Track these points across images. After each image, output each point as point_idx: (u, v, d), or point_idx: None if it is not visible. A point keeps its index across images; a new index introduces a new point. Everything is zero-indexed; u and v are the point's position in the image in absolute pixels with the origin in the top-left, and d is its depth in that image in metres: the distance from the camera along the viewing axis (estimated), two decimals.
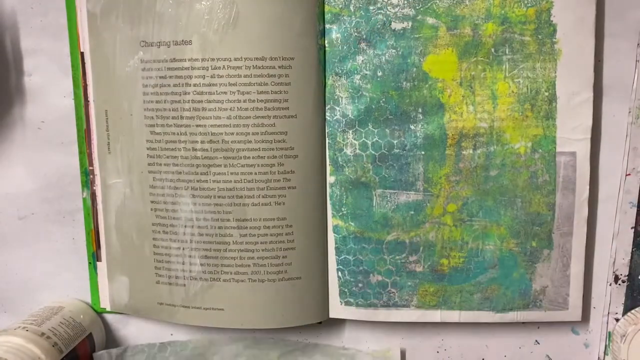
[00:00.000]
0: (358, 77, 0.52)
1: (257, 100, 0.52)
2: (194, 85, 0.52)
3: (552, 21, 0.50)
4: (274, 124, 0.52)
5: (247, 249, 0.54)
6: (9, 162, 0.58)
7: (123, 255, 0.57)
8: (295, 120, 0.52)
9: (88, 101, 0.55)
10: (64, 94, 0.56)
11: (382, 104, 0.52)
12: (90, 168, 0.56)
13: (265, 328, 0.56)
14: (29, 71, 0.57)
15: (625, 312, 0.54)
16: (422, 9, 0.51)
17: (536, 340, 0.56)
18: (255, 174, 0.53)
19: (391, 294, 0.54)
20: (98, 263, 0.58)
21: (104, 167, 0.56)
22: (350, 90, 0.52)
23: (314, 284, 0.54)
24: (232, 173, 0.53)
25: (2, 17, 0.56)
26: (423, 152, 0.52)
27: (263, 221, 0.53)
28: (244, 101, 0.52)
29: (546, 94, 0.51)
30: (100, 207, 0.57)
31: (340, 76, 0.52)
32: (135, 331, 0.60)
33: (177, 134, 0.53)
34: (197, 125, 0.53)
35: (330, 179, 0.54)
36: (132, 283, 0.57)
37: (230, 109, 0.52)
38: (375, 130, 0.52)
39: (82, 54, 0.55)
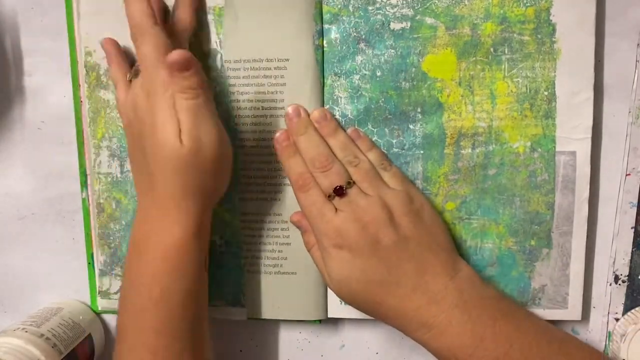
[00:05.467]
0: (357, 77, 0.52)
1: (255, 100, 0.53)
2: None
3: (551, 20, 0.50)
4: (271, 123, 0.53)
5: (246, 241, 0.55)
6: (9, 162, 0.58)
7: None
8: None
9: (82, 102, 0.55)
10: (64, 94, 0.56)
11: (381, 104, 0.52)
12: None
13: (258, 318, 0.56)
14: (29, 71, 0.57)
15: (625, 312, 0.54)
16: (420, 9, 0.51)
17: None
18: (254, 170, 0.54)
19: None
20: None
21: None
22: (349, 90, 0.52)
23: (310, 281, 0.55)
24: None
25: (2, 17, 0.56)
26: (422, 152, 0.52)
27: (260, 215, 0.54)
28: (243, 101, 0.53)
29: (545, 93, 0.51)
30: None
31: (339, 76, 0.52)
32: None
33: None
34: None
35: None
36: None
37: (230, 109, 0.53)
38: (375, 130, 0.52)
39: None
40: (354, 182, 0.49)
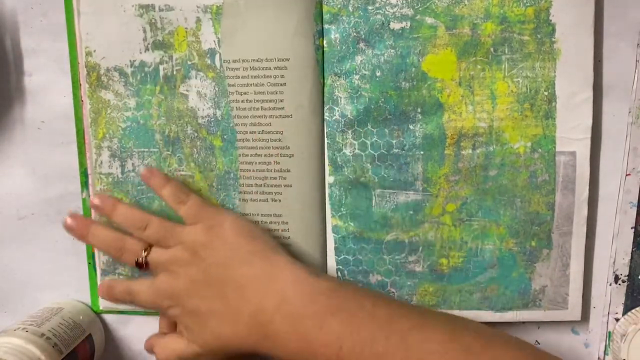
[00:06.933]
0: (357, 77, 0.52)
1: (254, 100, 0.53)
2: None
3: (551, 20, 0.50)
4: (270, 123, 0.53)
5: None
6: (9, 162, 0.58)
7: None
8: (290, 120, 0.52)
9: (83, 101, 0.55)
10: (64, 94, 0.56)
11: (381, 104, 0.52)
12: None
13: None
14: (29, 71, 0.57)
15: (625, 312, 0.54)
16: (420, 9, 0.51)
17: (536, 340, 0.56)
18: (253, 171, 0.54)
19: (391, 294, 0.54)
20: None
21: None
22: (349, 90, 0.52)
23: None
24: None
25: (2, 17, 0.56)
26: (422, 152, 0.52)
27: (260, 216, 0.54)
28: (242, 101, 0.53)
29: (545, 93, 0.51)
30: None
31: (339, 76, 0.52)
32: (134, 332, 0.60)
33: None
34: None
35: (329, 179, 0.54)
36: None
37: (230, 109, 0.53)
38: (374, 130, 0.52)
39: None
40: (151, 246, 0.51)
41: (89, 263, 0.58)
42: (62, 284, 0.59)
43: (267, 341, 0.46)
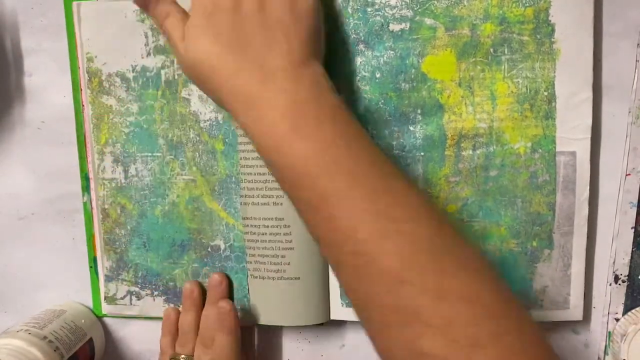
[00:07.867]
0: (356, 78, 0.52)
1: None
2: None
3: (550, 21, 0.50)
4: None
5: (249, 246, 0.55)
6: (9, 162, 0.58)
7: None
8: None
9: (84, 106, 0.55)
10: (64, 94, 0.56)
11: (381, 106, 0.52)
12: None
13: (263, 324, 0.56)
14: (29, 71, 0.57)
15: (625, 312, 0.54)
16: (420, 10, 0.51)
17: None
18: (255, 174, 0.53)
19: None
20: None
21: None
22: (348, 91, 0.52)
23: (313, 285, 0.54)
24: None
25: (2, 17, 0.56)
26: (422, 153, 0.52)
27: (262, 220, 0.54)
28: None
29: (545, 93, 0.51)
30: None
31: (338, 78, 0.52)
32: (134, 332, 0.60)
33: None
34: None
35: None
36: None
37: None
38: (374, 132, 0.52)
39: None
40: None
41: (91, 267, 0.58)
42: (62, 284, 0.60)
43: (252, 108, 0.43)
